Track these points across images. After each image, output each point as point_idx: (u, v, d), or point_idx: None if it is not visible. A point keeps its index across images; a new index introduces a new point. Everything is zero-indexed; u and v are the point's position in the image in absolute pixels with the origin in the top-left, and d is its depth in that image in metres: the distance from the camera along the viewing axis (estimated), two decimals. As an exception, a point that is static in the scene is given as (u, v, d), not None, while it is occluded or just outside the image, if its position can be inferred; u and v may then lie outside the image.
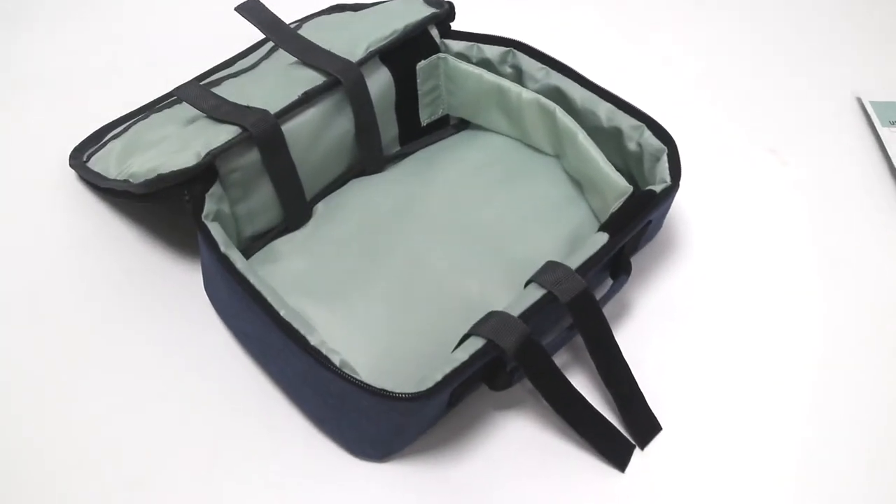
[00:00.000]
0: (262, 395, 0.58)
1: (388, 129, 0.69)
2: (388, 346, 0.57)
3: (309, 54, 0.65)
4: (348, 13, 0.78)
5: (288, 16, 0.81)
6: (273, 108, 0.61)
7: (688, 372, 0.60)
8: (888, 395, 0.60)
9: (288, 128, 0.62)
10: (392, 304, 0.59)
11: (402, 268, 0.61)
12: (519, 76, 0.69)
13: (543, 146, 0.69)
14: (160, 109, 0.72)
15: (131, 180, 0.61)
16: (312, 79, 0.64)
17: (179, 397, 0.58)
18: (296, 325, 0.51)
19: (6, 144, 0.74)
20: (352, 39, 0.66)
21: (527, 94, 0.66)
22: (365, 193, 0.66)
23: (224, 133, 0.59)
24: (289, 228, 0.65)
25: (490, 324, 0.52)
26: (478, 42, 0.70)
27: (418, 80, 0.69)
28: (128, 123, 0.71)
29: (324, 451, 0.55)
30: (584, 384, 0.59)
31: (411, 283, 0.60)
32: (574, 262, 0.55)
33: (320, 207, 0.66)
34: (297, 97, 0.62)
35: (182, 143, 0.60)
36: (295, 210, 0.64)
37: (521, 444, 0.56)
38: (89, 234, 0.67)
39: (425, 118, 0.72)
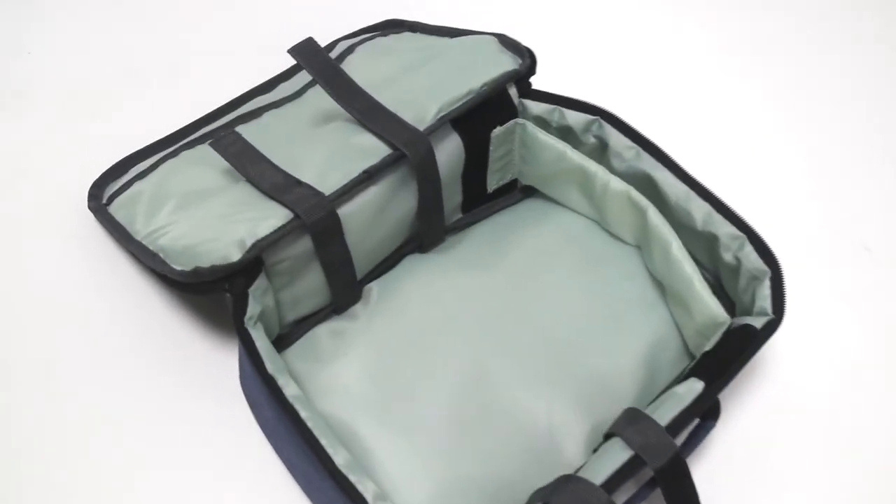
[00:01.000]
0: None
1: (453, 197, 0.62)
2: (445, 483, 0.51)
3: (370, 117, 0.56)
4: (408, 36, 0.68)
5: (332, 25, 0.71)
6: (328, 186, 0.53)
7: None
8: None
9: (345, 211, 0.54)
10: (452, 427, 0.53)
11: (463, 381, 0.55)
12: (603, 150, 0.61)
13: (624, 236, 0.61)
14: (191, 145, 0.63)
15: (161, 256, 0.54)
16: (374, 150, 0.55)
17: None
18: (352, 478, 0.46)
19: (12, 170, 0.65)
20: (419, 98, 0.58)
21: (615, 184, 0.58)
22: (425, 281, 0.59)
23: (272, 217, 0.52)
24: (336, 311, 0.58)
25: (569, 495, 0.46)
26: (560, 105, 0.61)
27: (491, 147, 0.61)
28: (154, 159, 0.63)
29: None
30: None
31: (473, 400, 0.54)
32: (664, 417, 0.49)
33: (374, 291, 0.58)
34: (356, 175, 0.54)
35: (222, 221, 0.53)
36: (345, 294, 0.57)
37: None
38: (110, 295, 0.61)
39: (493, 184, 0.64)
